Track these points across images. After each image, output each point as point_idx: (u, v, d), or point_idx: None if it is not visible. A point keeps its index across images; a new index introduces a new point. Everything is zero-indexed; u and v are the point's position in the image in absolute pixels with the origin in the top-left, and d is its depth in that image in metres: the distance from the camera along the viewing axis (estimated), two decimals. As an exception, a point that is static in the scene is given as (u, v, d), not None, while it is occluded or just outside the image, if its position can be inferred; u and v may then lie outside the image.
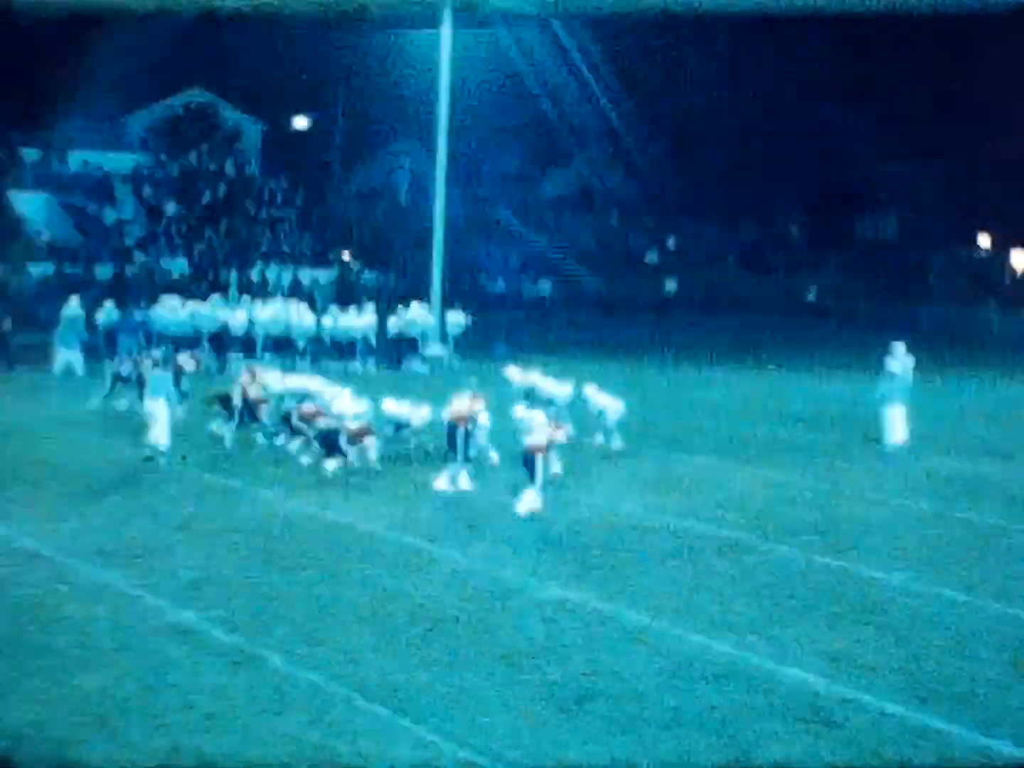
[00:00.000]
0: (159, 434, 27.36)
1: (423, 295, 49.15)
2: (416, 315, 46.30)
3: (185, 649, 16.17)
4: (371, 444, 27.34)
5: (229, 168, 65.35)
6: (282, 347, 43.61)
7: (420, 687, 15.18)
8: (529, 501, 24.11)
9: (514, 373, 31.29)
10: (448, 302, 48.96)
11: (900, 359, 33.32)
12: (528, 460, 24.41)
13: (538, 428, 24.66)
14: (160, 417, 27.42)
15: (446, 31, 48.95)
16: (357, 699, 14.77)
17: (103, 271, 55.03)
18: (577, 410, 30.06)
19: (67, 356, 40.01)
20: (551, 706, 14.79)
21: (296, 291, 55.56)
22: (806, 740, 14.18)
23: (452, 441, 26.00)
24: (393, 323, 45.72)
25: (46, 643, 16.27)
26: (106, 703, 14.48)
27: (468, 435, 25.86)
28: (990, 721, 14.82)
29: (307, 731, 13.93)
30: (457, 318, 47.57)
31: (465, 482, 25.88)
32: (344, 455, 27.02)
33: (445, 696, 14.95)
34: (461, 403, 26.12)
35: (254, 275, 57.58)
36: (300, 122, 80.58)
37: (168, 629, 16.91)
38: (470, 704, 14.77)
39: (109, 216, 60.77)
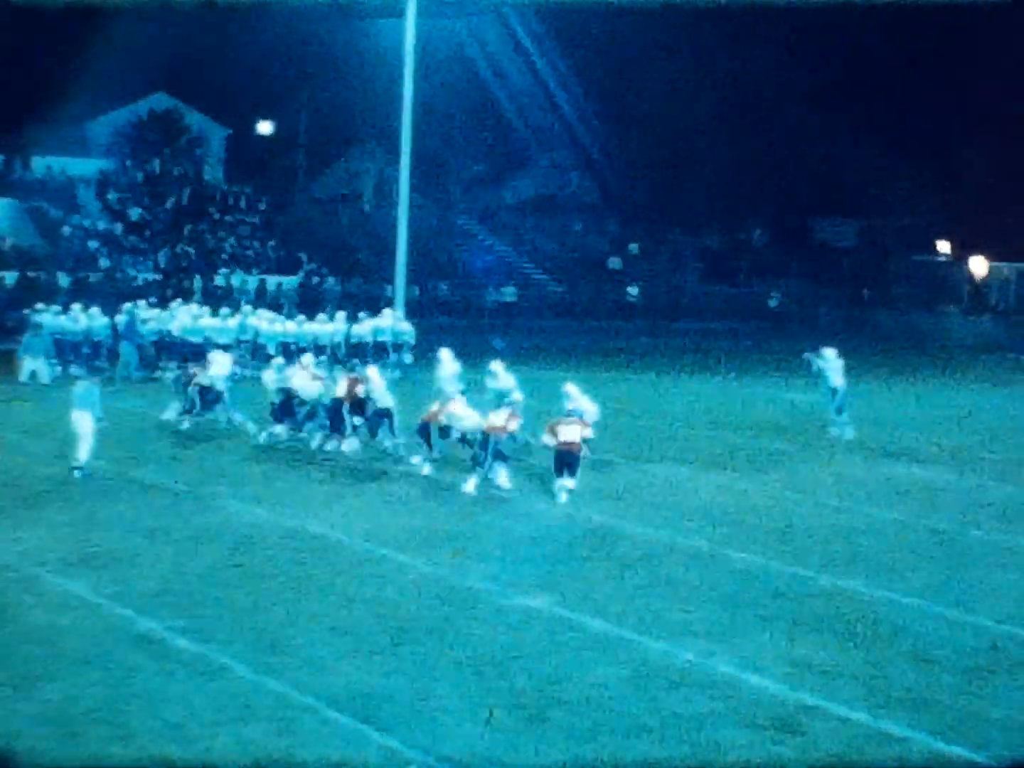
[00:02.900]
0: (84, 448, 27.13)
1: (389, 301, 49.19)
2: (387, 322, 46.28)
3: (151, 659, 16.20)
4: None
5: (193, 173, 65.39)
6: (249, 354, 43.49)
7: (386, 695, 15.26)
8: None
9: (498, 368, 31.80)
10: (413, 308, 49.01)
11: (830, 362, 33.92)
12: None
13: (569, 427, 26.24)
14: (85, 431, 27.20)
15: (409, 35, 48.95)
16: (323, 708, 14.84)
17: (66, 278, 54.82)
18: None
19: (32, 364, 39.83)
20: (516, 714, 14.90)
21: (261, 297, 55.48)
22: (768, 747, 14.32)
23: (485, 446, 26.63)
24: (358, 329, 45.67)
25: (11, 653, 16.27)
26: (72, 713, 14.51)
27: (497, 443, 26.54)
28: (949, 727, 14.99)
29: (273, 740, 13.99)
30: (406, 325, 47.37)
31: (505, 480, 26.63)
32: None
33: (411, 704, 15.04)
34: (498, 417, 26.86)
35: (219, 281, 57.48)
36: (264, 127, 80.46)
37: (134, 638, 16.93)
38: (436, 712, 14.86)
39: (73, 221, 60.57)
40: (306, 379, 30.65)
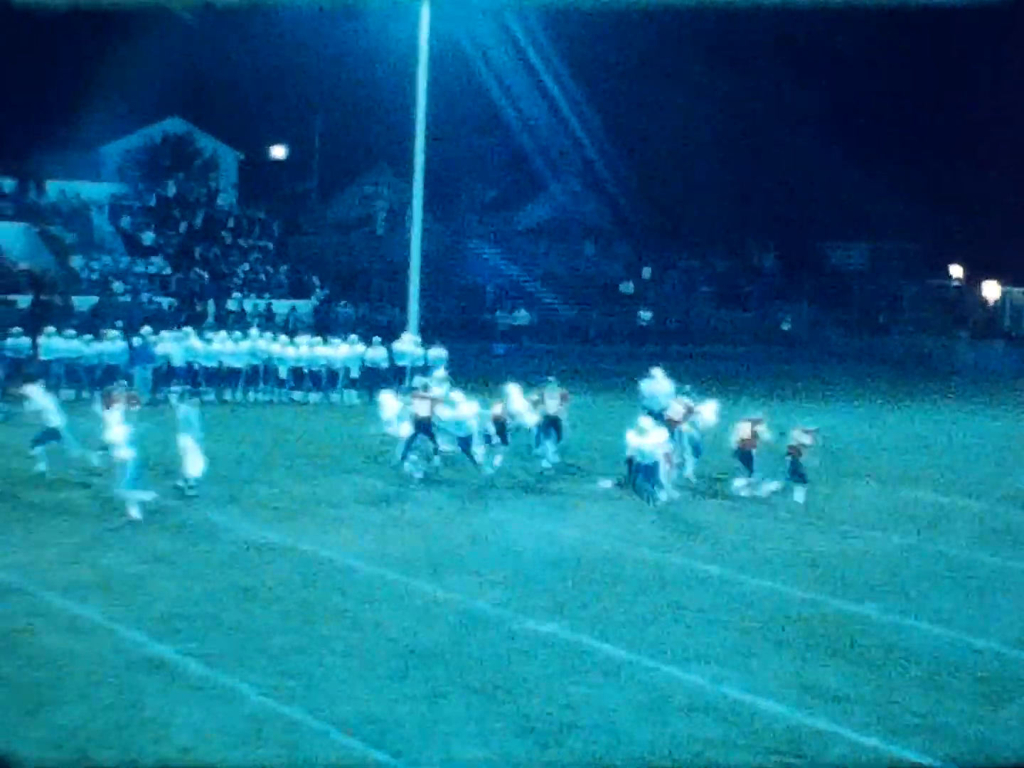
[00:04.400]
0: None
1: (403, 326, 49.22)
2: (404, 346, 46.31)
3: (161, 682, 16.18)
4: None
5: (206, 198, 65.51)
6: (261, 378, 43.56)
7: (396, 720, 15.22)
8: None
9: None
10: (427, 333, 49.00)
11: (659, 383, 33.93)
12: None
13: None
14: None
15: (422, 62, 49.08)
16: (333, 732, 14.81)
17: (81, 301, 54.88)
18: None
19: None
20: (527, 739, 14.85)
21: (273, 321, 55.49)
22: (780, 773, 14.29)
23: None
24: (372, 354, 45.65)
25: (21, 677, 16.25)
26: (81, 737, 14.48)
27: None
28: (962, 753, 14.93)
29: (283, 765, 13.96)
30: (438, 351, 47.40)
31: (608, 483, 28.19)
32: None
33: (421, 729, 15.00)
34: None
35: (231, 305, 57.52)
36: (277, 151, 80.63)
37: (144, 662, 16.91)
38: (447, 737, 14.82)
39: (86, 246, 60.65)
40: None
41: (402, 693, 16.09)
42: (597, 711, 15.73)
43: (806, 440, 28.77)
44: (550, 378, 32.69)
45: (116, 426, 25.80)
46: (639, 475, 27.99)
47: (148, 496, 25.46)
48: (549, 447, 31.41)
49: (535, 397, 31.76)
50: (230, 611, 19.38)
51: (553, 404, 31.75)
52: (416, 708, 15.61)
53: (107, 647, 17.51)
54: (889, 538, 26.03)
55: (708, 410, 30.54)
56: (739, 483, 29.36)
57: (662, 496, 27.65)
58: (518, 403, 31.27)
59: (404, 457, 29.93)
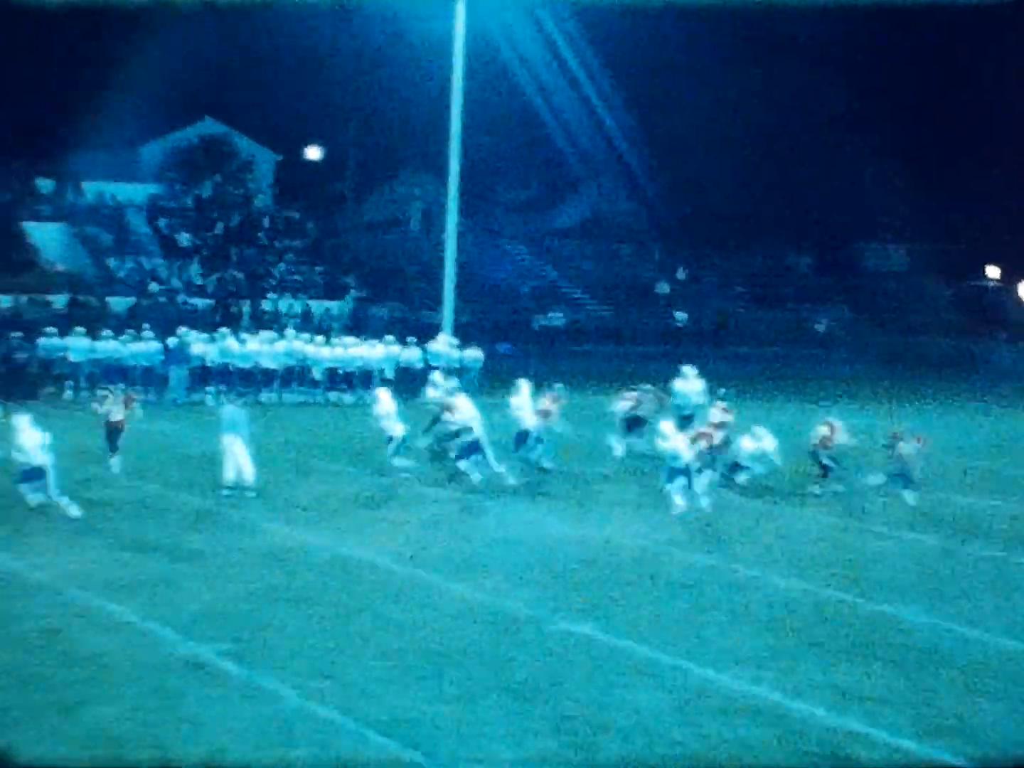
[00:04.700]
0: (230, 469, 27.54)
1: (438, 326, 49.33)
2: (439, 347, 46.44)
3: (196, 682, 16.22)
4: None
5: (242, 199, 65.65)
6: (296, 379, 43.73)
7: (431, 720, 15.22)
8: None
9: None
10: (460, 333, 49.11)
11: (690, 382, 34.06)
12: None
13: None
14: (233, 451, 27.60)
15: (457, 62, 49.13)
16: (368, 733, 14.82)
17: (117, 302, 55.12)
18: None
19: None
20: (562, 740, 14.83)
21: (308, 322, 55.65)
22: (814, 775, 14.26)
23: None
24: (407, 354, 45.75)
25: (57, 676, 16.31)
26: (117, 736, 14.51)
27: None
28: (997, 756, 14.85)
29: (317, 765, 13.98)
30: (474, 353, 47.49)
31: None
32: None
33: (456, 730, 14.99)
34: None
35: (266, 306, 57.67)
36: (313, 152, 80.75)
37: (178, 662, 16.96)
38: (480, 738, 14.81)
39: (123, 247, 60.90)
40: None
41: (436, 693, 16.09)
42: (632, 712, 15.71)
43: (913, 445, 29.17)
44: (557, 385, 32.97)
45: (28, 431, 25.40)
46: (668, 478, 27.76)
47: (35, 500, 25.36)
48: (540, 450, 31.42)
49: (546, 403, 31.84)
50: (264, 611, 19.43)
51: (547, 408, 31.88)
52: (450, 709, 15.61)
53: (142, 647, 17.57)
54: (925, 540, 25.94)
55: (767, 441, 30.19)
56: (821, 484, 29.73)
57: (678, 502, 27.21)
58: (522, 401, 31.53)
59: (395, 455, 30.10)
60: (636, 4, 59.23)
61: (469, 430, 29.61)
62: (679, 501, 27.04)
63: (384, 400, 30.77)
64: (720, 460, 29.83)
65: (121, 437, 29.60)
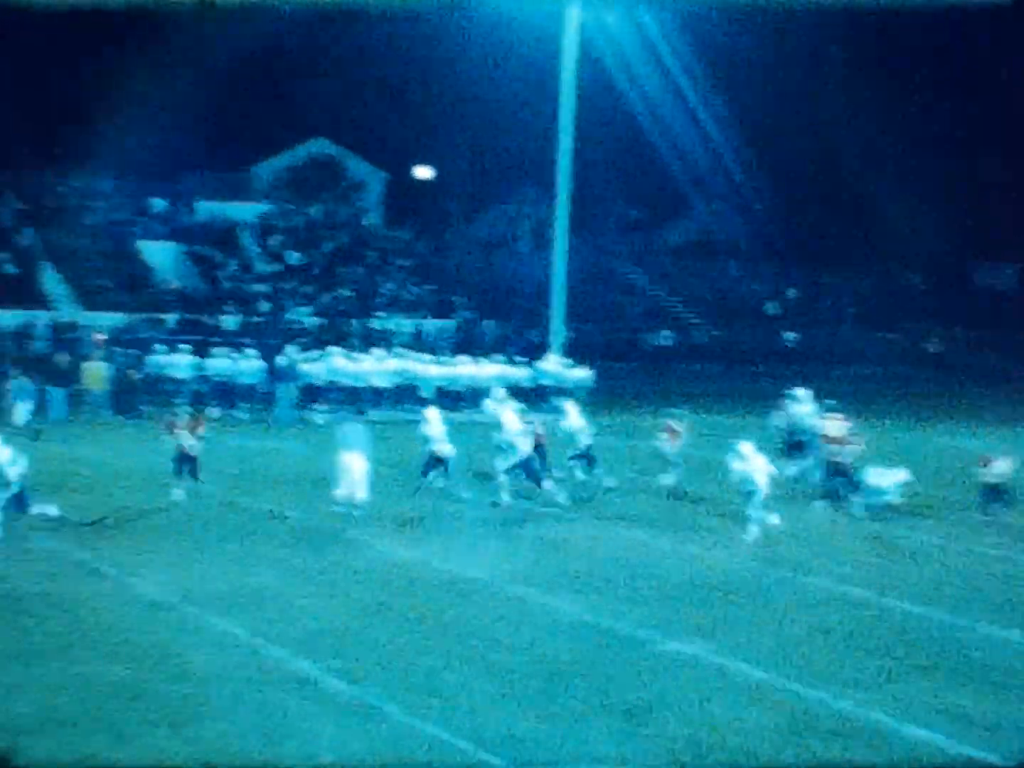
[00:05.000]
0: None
1: (547, 346, 49.33)
2: (548, 366, 46.45)
3: (305, 699, 16.28)
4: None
5: (352, 218, 66.09)
6: (406, 397, 43.86)
7: (539, 740, 15.18)
8: None
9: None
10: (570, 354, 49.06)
11: (803, 405, 33.59)
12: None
13: None
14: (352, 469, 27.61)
15: (567, 82, 49.15)
16: (475, 751, 14.80)
17: (227, 320, 55.64)
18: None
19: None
20: (670, 761, 14.74)
21: (418, 340, 55.86)
22: (928, 801, 14.07)
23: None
24: (514, 373, 45.71)
25: (168, 692, 16.43)
26: (226, 753, 14.60)
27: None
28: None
29: (425, 782, 14.00)
30: (581, 372, 47.35)
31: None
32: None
33: (563, 749, 14.94)
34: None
35: (376, 324, 57.93)
36: (423, 171, 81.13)
37: (287, 679, 17.04)
38: (588, 757, 14.75)
39: (235, 265, 61.48)
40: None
41: (544, 712, 16.05)
42: (741, 734, 15.58)
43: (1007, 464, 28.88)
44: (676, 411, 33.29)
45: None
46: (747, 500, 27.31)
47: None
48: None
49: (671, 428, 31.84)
50: (372, 628, 19.47)
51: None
52: (558, 728, 15.55)
53: (251, 663, 17.67)
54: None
55: (901, 475, 29.75)
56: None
57: (753, 529, 26.80)
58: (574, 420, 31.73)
59: (425, 474, 30.06)
60: (750, 24, 59.05)
61: (514, 447, 29.45)
62: (753, 527, 26.74)
63: (433, 420, 30.47)
64: (840, 480, 29.56)
65: (193, 465, 28.67)
